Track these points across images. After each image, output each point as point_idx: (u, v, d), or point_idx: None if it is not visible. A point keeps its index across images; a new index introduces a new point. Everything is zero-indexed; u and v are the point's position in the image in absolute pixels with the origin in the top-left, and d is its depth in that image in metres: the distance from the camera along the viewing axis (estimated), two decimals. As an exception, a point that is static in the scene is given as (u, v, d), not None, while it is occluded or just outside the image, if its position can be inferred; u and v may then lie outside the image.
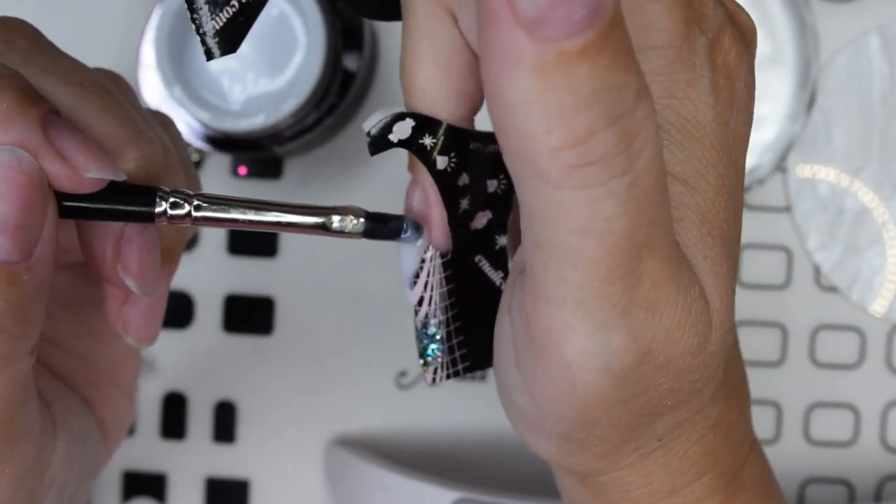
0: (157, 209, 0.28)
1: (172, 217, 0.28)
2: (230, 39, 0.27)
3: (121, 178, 0.28)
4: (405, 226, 0.29)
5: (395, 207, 0.57)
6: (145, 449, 0.55)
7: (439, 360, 0.30)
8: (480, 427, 0.55)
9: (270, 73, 0.48)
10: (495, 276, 0.31)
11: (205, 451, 0.55)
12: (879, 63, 0.53)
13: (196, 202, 0.28)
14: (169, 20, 0.47)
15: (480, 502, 0.48)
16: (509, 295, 0.27)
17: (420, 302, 0.30)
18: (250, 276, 0.55)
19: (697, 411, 0.28)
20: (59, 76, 0.29)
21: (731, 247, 0.27)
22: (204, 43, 0.27)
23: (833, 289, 0.54)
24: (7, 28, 0.29)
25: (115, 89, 0.30)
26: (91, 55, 0.55)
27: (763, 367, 0.55)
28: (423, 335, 0.30)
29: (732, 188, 0.27)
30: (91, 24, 0.55)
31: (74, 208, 0.28)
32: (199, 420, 0.55)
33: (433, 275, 0.30)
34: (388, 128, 0.27)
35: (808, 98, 0.52)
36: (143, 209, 0.28)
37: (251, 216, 0.28)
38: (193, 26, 0.26)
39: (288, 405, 0.55)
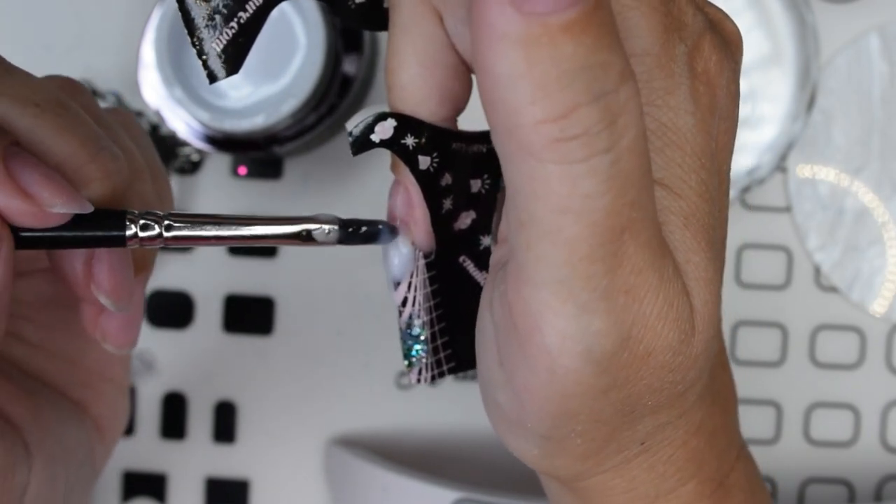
0: (128, 233, 0.28)
1: (143, 239, 0.28)
2: (232, 61, 0.27)
3: (87, 210, 0.27)
4: (379, 230, 0.29)
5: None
6: (145, 449, 0.55)
7: (423, 360, 0.30)
8: (480, 427, 0.55)
9: (270, 73, 0.48)
10: (480, 277, 0.31)
11: (205, 451, 0.55)
12: (879, 63, 0.53)
13: (167, 222, 0.28)
14: (169, 20, 0.47)
15: (480, 502, 0.48)
16: (490, 290, 0.27)
17: (404, 303, 0.30)
18: (250, 276, 0.55)
19: (680, 416, 0.28)
20: (13, 97, 0.28)
21: (716, 252, 0.27)
22: (205, 66, 0.26)
23: (833, 289, 0.54)
24: None
25: (71, 102, 0.29)
26: (91, 55, 0.55)
27: (763, 367, 0.55)
28: (407, 336, 0.30)
29: (716, 194, 0.27)
30: (91, 24, 0.55)
31: (38, 238, 0.27)
32: (199, 420, 0.55)
33: (416, 275, 0.29)
34: (370, 128, 0.27)
35: (808, 98, 0.52)
36: (112, 234, 0.28)
37: (223, 232, 0.28)
38: (194, 50, 0.26)
39: (288, 405, 0.55)
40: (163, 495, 0.55)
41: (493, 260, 0.28)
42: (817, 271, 0.54)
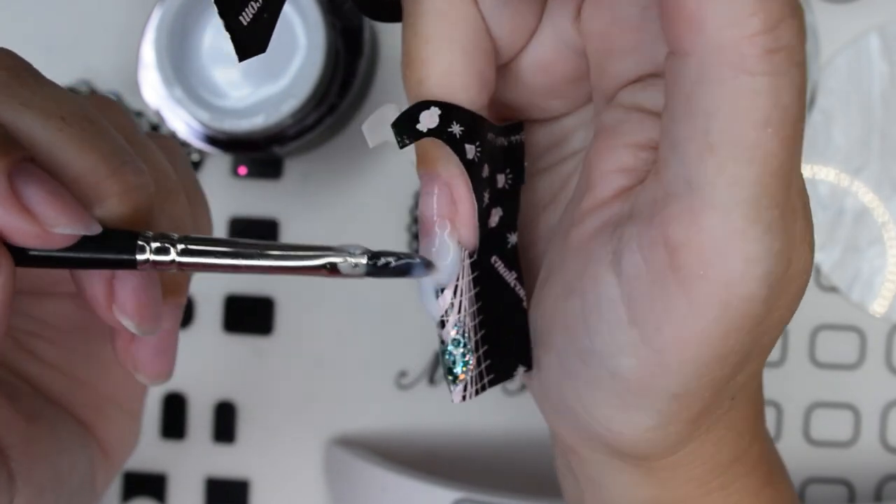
0: (139, 256, 0.26)
1: (157, 264, 0.26)
2: (257, 38, 0.24)
3: (94, 231, 0.25)
4: (413, 263, 0.26)
5: (395, 206, 0.57)
6: (145, 449, 0.55)
7: (471, 372, 0.28)
8: (480, 427, 0.55)
9: (271, 73, 0.48)
10: (509, 277, 0.29)
11: (205, 451, 0.55)
12: (879, 63, 0.53)
13: (181, 246, 0.26)
14: (169, 20, 0.47)
15: (480, 502, 0.48)
16: (609, 249, 0.26)
17: (448, 311, 0.27)
18: (250, 276, 0.55)
19: (761, 364, 0.28)
20: (39, 110, 0.26)
21: None
22: (235, 42, 0.25)
23: (833, 289, 0.54)
24: None
25: (100, 116, 0.27)
26: (91, 55, 0.55)
27: (764, 367, 0.55)
28: (453, 347, 0.27)
29: None
30: (91, 24, 0.55)
31: (45, 257, 0.25)
32: (199, 420, 0.55)
33: (462, 278, 0.27)
34: (414, 117, 0.25)
35: (808, 98, 0.52)
36: (122, 257, 0.26)
37: (242, 261, 0.26)
38: (224, 28, 0.25)
39: (288, 405, 0.55)
40: (163, 495, 0.55)
41: (604, 219, 0.27)
42: (817, 271, 0.54)
